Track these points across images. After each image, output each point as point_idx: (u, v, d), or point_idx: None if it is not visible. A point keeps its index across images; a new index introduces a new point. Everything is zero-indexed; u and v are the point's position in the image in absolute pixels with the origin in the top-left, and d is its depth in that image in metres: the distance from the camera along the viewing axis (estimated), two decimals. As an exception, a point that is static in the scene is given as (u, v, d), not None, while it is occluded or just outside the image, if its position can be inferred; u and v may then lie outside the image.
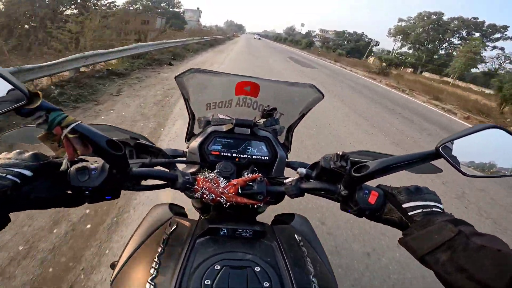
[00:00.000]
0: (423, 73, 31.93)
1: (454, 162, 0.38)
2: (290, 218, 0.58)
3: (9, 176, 0.32)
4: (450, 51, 35.31)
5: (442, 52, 36.18)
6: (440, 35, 34.69)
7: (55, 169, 0.37)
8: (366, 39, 52.07)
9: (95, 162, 0.39)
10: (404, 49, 38.80)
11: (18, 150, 0.36)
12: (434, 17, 35.00)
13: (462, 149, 0.38)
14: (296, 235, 0.50)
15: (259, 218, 0.58)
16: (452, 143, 0.37)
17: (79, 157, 0.37)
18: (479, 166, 0.40)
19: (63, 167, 0.37)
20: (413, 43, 37.10)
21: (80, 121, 0.34)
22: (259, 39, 53.48)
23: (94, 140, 0.34)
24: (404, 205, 0.39)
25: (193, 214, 0.61)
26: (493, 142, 0.38)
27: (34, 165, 0.34)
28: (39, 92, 0.32)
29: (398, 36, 38.62)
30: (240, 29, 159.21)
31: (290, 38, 71.36)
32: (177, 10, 37.14)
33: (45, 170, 0.36)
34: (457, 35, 33.98)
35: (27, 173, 0.33)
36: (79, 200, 0.38)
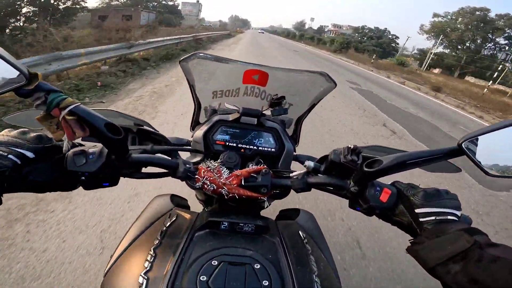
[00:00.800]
0: (466, 77, 30.64)
1: (476, 160, 0.40)
2: (295, 213, 0.61)
3: (10, 156, 0.35)
4: (495, 52, 35.25)
5: (485, 52, 35.85)
6: (488, 34, 33.90)
7: (56, 153, 0.41)
8: (389, 36, 50.99)
9: (94, 147, 0.43)
10: (440, 49, 37.63)
11: (22, 129, 0.40)
12: (479, 13, 34.19)
13: (486, 146, 0.40)
14: (300, 232, 0.53)
15: (263, 213, 0.61)
16: (476, 140, 0.39)
17: (81, 142, 0.42)
18: (503, 166, 0.41)
19: (64, 149, 0.40)
20: (452, 42, 36.02)
21: (79, 103, 0.38)
22: (263, 33, 68.78)
23: (92, 123, 0.37)
24: (417, 210, 0.41)
25: (197, 207, 0.66)
26: None
27: (37, 147, 0.38)
28: (38, 73, 0.36)
29: (432, 34, 37.89)
30: (245, 24, 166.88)
31: (306, 34, 69.05)
32: (170, 3, 36.98)
33: (47, 153, 0.40)
34: (505, 35, 33.89)
35: (29, 154, 0.37)
36: (74, 185, 0.42)
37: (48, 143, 0.41)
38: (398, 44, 50.66)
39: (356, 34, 56.67)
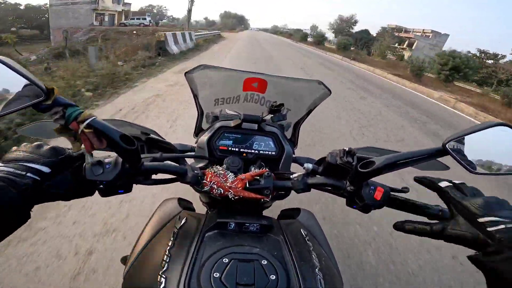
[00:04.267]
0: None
1: (460, 159, 0.43)
2: (296, 212, 0.65)
3: (28, 174, 0.37)
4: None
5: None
6: None
7: (72, 163, 0.44)
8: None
9: (108, 157, 0.46)
10: None
11: (36, 143, 0.43)
12: None
13: (469, 146, 0.44)
14: (302, 230, 0.57)
15: (265, 212, 0.65)
16: (460, 140, 0.42)
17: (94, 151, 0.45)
18: (485, 164, 0.45)
19: (86, 161, 0.43)
20: None
21: (95, 116, 0.40)
22: (257, 30, 59.13)
23: (108, 135, 0.40)
24: (481, 220, 0.38)
25: (200, 209, 0.68)
26: (499, 140, 0.43)
27: (51, 161, 0.41)
28: (54, 87, 0.38)
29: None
30: (240, 22, 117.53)
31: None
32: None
33: (63, 165, 0.42)
34: None
35: (45, 169, 0.40)
36: (92, 192, 0.46)
37: (61, 154, 0.43)
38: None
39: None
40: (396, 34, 38.42)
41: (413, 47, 36.28)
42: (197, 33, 15.92)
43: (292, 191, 0.58)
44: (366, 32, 41.23)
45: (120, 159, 0.45)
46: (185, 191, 0.62)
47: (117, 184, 0.45)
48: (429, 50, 33.12)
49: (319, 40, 34.33)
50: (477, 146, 0.44)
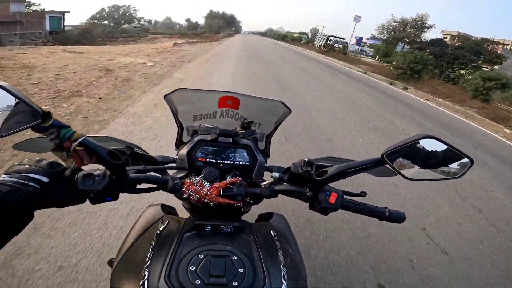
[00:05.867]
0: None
1: (396, 168, 0.52)
2: (269, 216, 0.73)
3: (31, 183, 0.45)
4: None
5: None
6: None
7: (66, 176, 0.50)
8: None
9: (97, 169, 0.53)
10: None
11: (37, 158, 0.50)
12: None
13: (405, 155, 0.53)
14: (272, 231, 0.65)
15: (245, 217, 0.73)
16: (396, 151, 0.51)
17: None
18: (418, 171, 0.54)
19: (68, 173, 0.50)
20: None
21: (86, 136, 0.47)
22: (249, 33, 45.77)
23: (97, 152, 0.47)
24: None
25: (184, 214, 0.75)
26: (429, 149, 0.52)
27: (50, 172, 0.48)
28: (50, 111, 0.45)
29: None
30: (230, 24, 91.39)
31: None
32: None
33: (59, 177, 0.49)
34: None
35: (45, 179, 0.46)
36: (83, 200, 0.52)
37: (58, 167, 0.50)
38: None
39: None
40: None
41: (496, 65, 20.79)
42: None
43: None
44: (440, 42, 22.48)
45: (108, 172, 0.52)
46: (174, 197, 0.68)
47: (105, 193, 0.52)
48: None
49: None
50: (411, 155, 0.53)
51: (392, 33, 27.04)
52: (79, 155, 0.48)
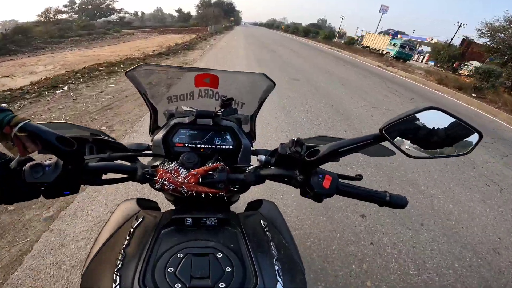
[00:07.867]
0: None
1: (397, 144, 0.45)
2: (259, 204, 0.66)
3: None
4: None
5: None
6: None
7: (11, 168, 0.43)
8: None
9: (49, 159, 0.45)
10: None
11: None
12: None
13: (406, 130, 0.45)
14: (261, 221, 0.58)
15: (233, 207, 0.67)
16: (396, 125, 0.43)
17: (39, 155, 0.44)
18: (422, 147, 0.47)
19: (14, 165, 0.43)
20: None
21: (28, 120, 0.41)
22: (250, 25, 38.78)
23: (43, 137, 0.40)
24: None
25: (168, 207, 0.68)
26: (434, 123, 0.45)
27: None
28: None
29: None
30: (228, 14, 79.96)
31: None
32: None
33: (4, 169, 0.42)
34: None
35: None
36: (36, 195, 0.45)
37: (2, 158, 0.43)
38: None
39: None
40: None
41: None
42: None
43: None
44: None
45: (61, 161, 0.45)
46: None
47: (61, 186, 0.45)
48: None
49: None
50: (413, 130, 0.46)
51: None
52: (21, 142, 0.41)
